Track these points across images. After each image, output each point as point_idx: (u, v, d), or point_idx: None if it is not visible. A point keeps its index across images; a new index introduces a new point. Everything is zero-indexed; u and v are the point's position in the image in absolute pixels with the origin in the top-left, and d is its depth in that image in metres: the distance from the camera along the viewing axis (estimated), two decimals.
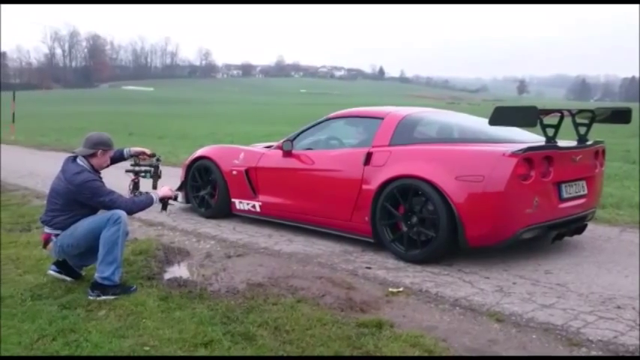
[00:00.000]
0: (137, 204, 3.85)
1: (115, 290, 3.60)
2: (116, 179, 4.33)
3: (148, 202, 3.89)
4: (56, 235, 3.76)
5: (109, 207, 3.70)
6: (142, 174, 4.16)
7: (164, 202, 4.08)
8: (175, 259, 4.52)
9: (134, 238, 5.01)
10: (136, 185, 4.12)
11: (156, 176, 4.18)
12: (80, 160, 3.77)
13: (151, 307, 3.41)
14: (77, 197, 3.68)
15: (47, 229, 3.81)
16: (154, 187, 4.17)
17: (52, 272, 3.90)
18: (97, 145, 3.80)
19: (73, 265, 3.89)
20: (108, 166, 3.96)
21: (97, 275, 3.61)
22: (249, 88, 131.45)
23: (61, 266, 3.89)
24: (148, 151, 4.25)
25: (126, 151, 4.20)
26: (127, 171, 4.14)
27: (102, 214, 3.72)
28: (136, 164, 4.17)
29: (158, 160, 4.23)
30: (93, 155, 3.79)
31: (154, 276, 4.04)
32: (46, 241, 3.85)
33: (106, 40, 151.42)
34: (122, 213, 3.66)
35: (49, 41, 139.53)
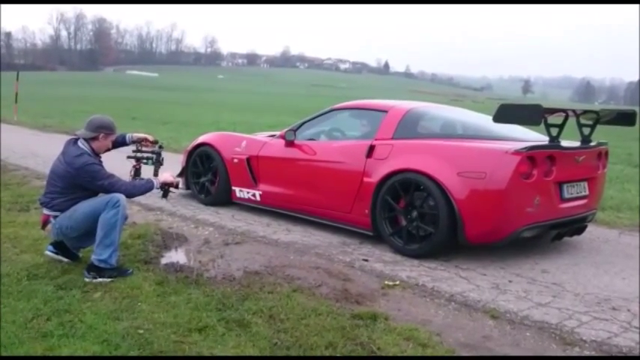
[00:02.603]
0: (137, 188, 3.84)
1: (111, 273, 3.61)
2: (118, 163, 4.32)
3: (147, 187, 3.88)
4: (55, 217, 3.76)
5: (108, 190, 3.69)
6: (144, 160, 4.13)
7: (165, 189, 4.06)
8: (173, 245, 4.52)
9: (133, 222, 5.01)
10: (137, 171, 4.10)
11: (157, 163, 4.15)
12: (81, 143, 3.76)
13: (147, 290, 3.42)
14: (76, 180, 3.67)
15: (46, 211, 3.80)
16: (155, 174, 4.15)
17: (49, 253, 3.90)
18: (100, 128, 3.79)
19: (70, 246, 3.89)
20: (109, 150, 3.95)
21: (93, 257, 3.61)
22: (253, 77, 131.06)
23: (58, 247, 3.89)
24: (150, 138, 4.22)
25: (128, 136, 4.17)
26: (129, 157, 4.12)
27: (101, 197, 3.72)
28: (138, 150, 4.14)
29: (160, 147, 4.19)
30: (94, 139, 3.78)
31: (150, 260, 4.04)
32: (45, 223, 3.85)
33: (112, 23, 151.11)
34: (121, 196, 3.66)
35: (55, 23, 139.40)
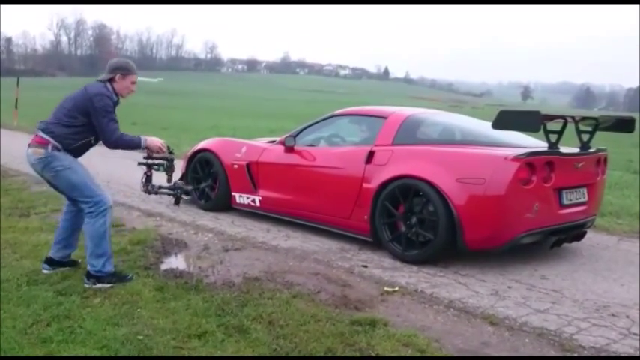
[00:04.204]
0: (125, 141, 3.71)
1: (110, 278, 3.60)
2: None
3: (135, 143, 3.77)
4: (57, 149, 3.59)
5: (103, 130, 3.61)
6: (155, 167, 4.10)
7: (177, 196, 4.00)
8: (172, 250, 4.52)
9: (132, 228, 5.03)
10: (148, 178, 4.08)
11: (170, 170, 4.09)
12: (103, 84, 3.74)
13: (147, 296, 3.42)
14: (86, 104, 3.58)
15: (45, 136, 3.61)
16: (169, 181, 4.09)
17: (45, 271, 3.80)
18: (116, 69, 3.75)
19: (59, 258, 3.84)
20: (131, 92, 3.82)
21: (89, 268, 3.61)
22: (251, 83, 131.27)
23: (53, 263, 3.83)
24: (162, 144, 4.03)
25: (143, 139, 3.91)
26: (140, 164, 4.10)
27: (95, 186, 3.63)
28: (149, 157, 4.09)
29: (171, 153, 4.10)
30: (112, 80, 3.74)
31: (150, 266, 4.04)
32: (41, 144, 3.60)
33: (112, 29, 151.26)
34: (109, 202, 3.62)
35: (55, 28, 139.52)
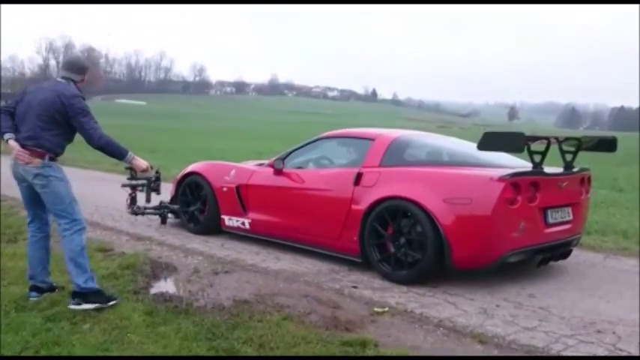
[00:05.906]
0: (110, 141, 3.68)
1: (95, 298, 3.59)
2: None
3: (120, 151, 3.73)
4: (52, 159, 3.58)
5: (87, 130, 3.59)
6: (140, 188, 4.07)
7: (163, 215, 3.99)
8: (162, 274, 4.51)
9: (121, 252, 5.01)
10: (133, 200, 4.05)
11: (149, 189, 4.05)
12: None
13: (136, 321, 3.41)
14: (66, 109, 3.55)
15: (41, 150, 3.56)
16: (148, 200, 4.05)
17: (33, 299, 3.75)
18: (84, 68, 3.79)
19: (47, 286, 3.84)
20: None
21: (73, 287, 3.63)
22: (240, 105, 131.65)
23: (39, 290, 3.80)
24: (148, 167, 3.96)
25: (129, 155, 3.83)
26: (124, 185, 4.07)
27: (78, 206, 3.65)
28: (132, 177, 4.05)
29: (157, 172, 4.04)
30: (82, 81, 3.77)
31: (140, 290, 4.03)
32: (37, 155, 3.55)
33: (101, 52, 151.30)
34: (84, 223, 3.67)
35: (44, 52, 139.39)
